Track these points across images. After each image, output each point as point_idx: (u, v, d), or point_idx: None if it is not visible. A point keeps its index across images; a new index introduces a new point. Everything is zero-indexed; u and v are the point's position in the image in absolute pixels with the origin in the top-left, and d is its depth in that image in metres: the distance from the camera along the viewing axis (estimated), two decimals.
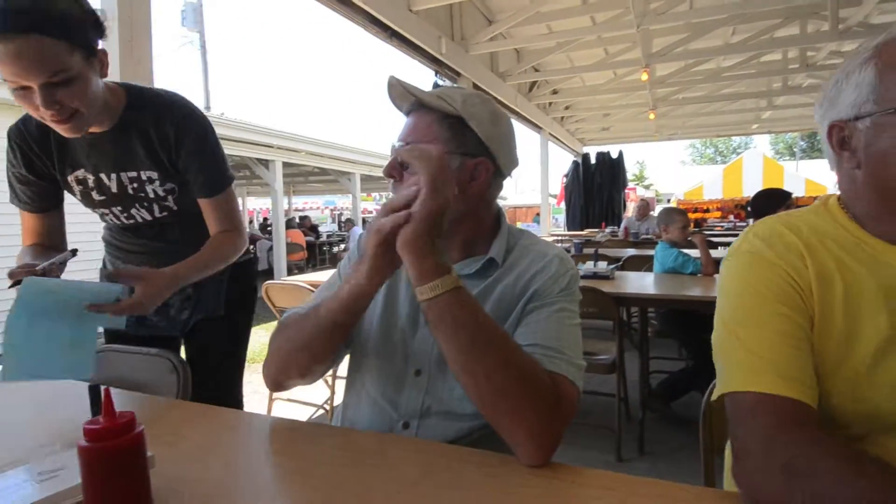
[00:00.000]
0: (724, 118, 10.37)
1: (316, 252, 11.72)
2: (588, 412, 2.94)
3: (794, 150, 33.36)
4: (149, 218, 1.28)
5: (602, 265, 2.96)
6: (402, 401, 0.87)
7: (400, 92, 0.86)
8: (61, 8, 0.93)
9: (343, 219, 17.59)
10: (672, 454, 2.46)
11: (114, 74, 1.30)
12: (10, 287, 0.98)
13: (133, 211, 1.27)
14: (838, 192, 0.79)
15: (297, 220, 12.48)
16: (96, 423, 0.47)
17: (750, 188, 14.51)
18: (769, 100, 8.61)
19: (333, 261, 11.62)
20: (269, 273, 8.69)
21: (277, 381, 0.87)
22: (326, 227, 16.84)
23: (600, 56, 6.81)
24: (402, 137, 0.86)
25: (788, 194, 3.12)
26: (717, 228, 9.26)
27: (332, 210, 22.33)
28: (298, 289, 2.53)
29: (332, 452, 0.76)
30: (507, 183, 0.96)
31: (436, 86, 4.87)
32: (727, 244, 5.43)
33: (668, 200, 18.88)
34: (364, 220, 11.59)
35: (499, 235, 0.91)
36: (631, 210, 12.31)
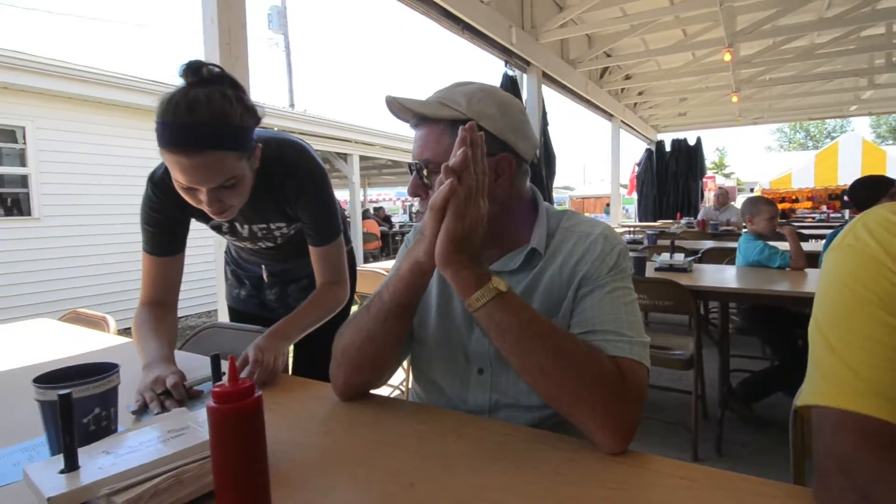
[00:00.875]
0: (817, 99, 9.50)
1: (389, 241, 12.31)
2: (662, 408, 2.85)
3: None
4: (272, 245, 1.41)
5: (679, 257, 2.83)
6: (470, 397, 0.89)
7: (399, 108, 0.84)
8: (236, 122, 0.99)
9: (413, 209, 17.96)
10: (752, 457, 2.34)
11: None
12: (133, 412, 0.89)
13: (260, 244, 1.40)
14: None
15: (372, 211, 12.93)
16: (223, 387, 0.54)
17: (846, 176, 13.21)
18: (870, 78, 7.81)
19: None
20: None
21: (349, 383, 0.88)
22: (398, 218, 17.35)
23: (678, 37, 6.46)
24: (415, 156, 0.84)
25: (892, 181, 2.83)
26: (807, 220, 8.57)
27: (402, 201, 22.89)
28: (377, 275, 2.65)
29: (417, 427, 0.80)
30: (574, 173, 0.94)
31: (505, 77, 4.84)
32: (819, 237, 5.02)
33: (752, 190, 17.62)
34: None
35: (537, 222, 0.89)
36: (709, 200, 11.66)
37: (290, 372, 1.29)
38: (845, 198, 11.38)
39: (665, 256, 2.85)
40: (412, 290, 0.80)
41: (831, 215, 9.30)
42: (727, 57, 5.70)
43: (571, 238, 0.88)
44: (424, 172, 0.83)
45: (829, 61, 7.15)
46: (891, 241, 0.64)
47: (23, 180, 5.42)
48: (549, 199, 5.88)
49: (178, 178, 0.99)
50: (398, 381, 2.85)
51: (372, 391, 0.95)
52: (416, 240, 0.77)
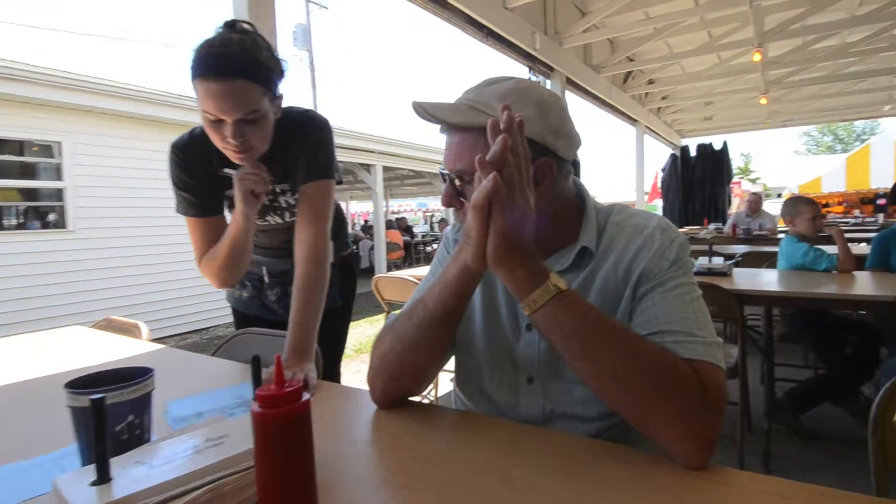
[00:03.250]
0: (849, 100, 9.19)
1: (412, 251, 12.39)
2: None
3: None
4: (280, 222, 1.38)
5: (718, 261, 2.73)
6: (522, 407, 0.83)
7: (427, 116, 0.78)
8: (263, 57, 1.09)
9: (434, 220, 18.05)
10: (803, 473, 2.20)
11: None
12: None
13: (268, 218, 1.38)
14: None
15: (395, 222, 13.01)
16: (268, 390, 0.49)
17: (879, 179, 12.78)
18: None
19: (428, 259, 12.06)
20: (370, 271, 9.15)
21: (388, 391, 0.83)
22: (419, 228, 17.44)
23: (703, 40, 6.33)
24: (448, 165, 0.78)
25: None
26: (840, 225, 8.26)
27: (423, 212, 23.05)
28: (405, 282, 2.62)
29: (466, 437, 0.74)
30: (597, 181, 0.88)
31: None
32: (854, 240, 4.83)
33: (779, 195, 17.21)
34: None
35: (586, 219, 0.83)
36: (736, 205, 11.35)
37: None
38: (879, 202, 11.01)
39: (703, 260, 2.74)
40: (459, 297, 0.75)
41: (866, 220, 8.96)
42: (757, 57, 5.55)
43: (624, 233, 0.81)
44: (457, 183, 0.78)
45: (862, 60, 6.91)
46: None
47: (58, 194, 5.54)
48: None
49: (207, 108, 1.05)
50: (426, 391, 2.80)
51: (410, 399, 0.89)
52: (462, 243, 0.71)
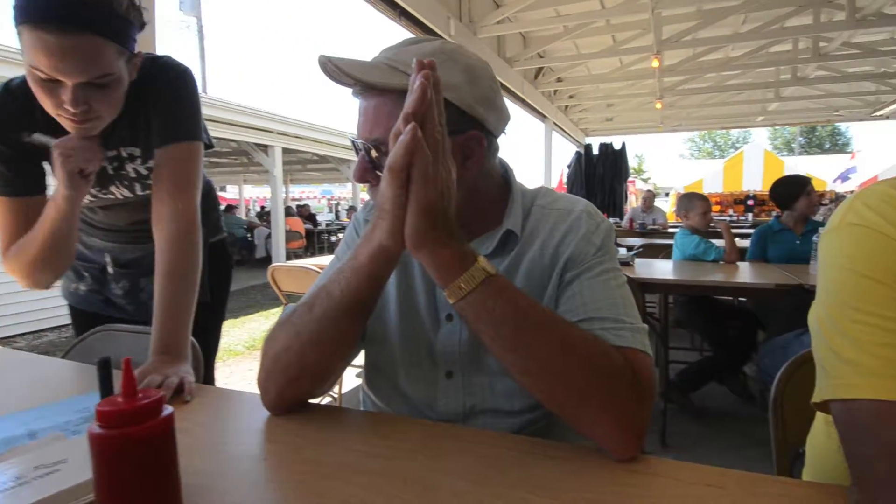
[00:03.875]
0: (729, 109, 10.22)
1: (314, 240, 11.75)
2: None
3: (793, 145, 33.32)
4: (130, 196, 1.14)
5: (622, 251, 2.86)
6: (440, 405, 0.75)
7: (337, 72, 0.65)
8: (121, 11, 0.86)
9: (341, 208, 17.46)
10: (694, 447, 2.37)
11: None
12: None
13: (111, 190, 1.12)
14: None
15: (296, 209, 12.36)
16: (113, 403, 0.36)
17: (750, 183, 14.41)
18: (776, 91, 8.48)
19: (332, 249, 11.59)
20: (267, 261, 8.59)
21: (284, 395, 0.71)
22: (323, 217, 16.72)
23: (608, 43, 6.66)
24: (362, 134, 0.68)
25: (808, 180, 3.02)
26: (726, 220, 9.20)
27: (329, 200, 22.09)
28: (306, 271, 2.43)
29: (379, 442, 0.65)
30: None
31: None
32: (736, 236, 5.37)
33: (667, 194, 18.77)
34: None
35: (511, 201, 0.77)
36: (632, 202, 12.21)
37: None
38: (749, 202, 12.40)
39: None
40: (372, 283, 0.64)
41: (739, 218, 10.03)
42: (655, 63, 5.93)
43: (550, 217, 0.76)
44: (373, 154, 0.67)
45: (742, 74, 7.68)
46: (894, 216, 0.59)
47: None
48: None
49: (41, 64, 0.80)
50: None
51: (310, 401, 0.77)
52: (375, 218, 0.59)
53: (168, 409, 0.38)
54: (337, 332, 0.66)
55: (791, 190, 2.90)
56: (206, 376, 1.29)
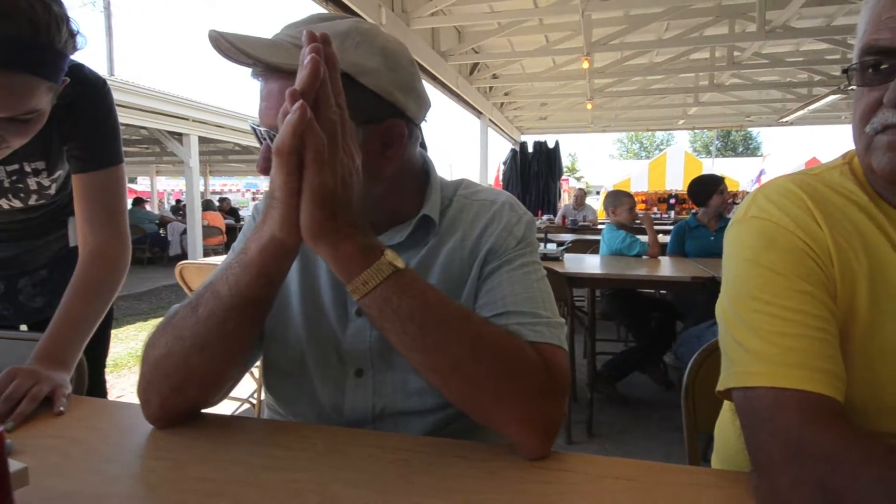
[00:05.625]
0: (653, 112, 10.81)
1: (236, 237, 11.05)
2: None
3: (710, 148, 35.76)
4: (19, 206, 1.04)
5: (551, 247, 2.92)
6: (347, 408, 0.70)
7: (233, 51, 0.57)
8: (59, 45, 0.77)
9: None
10: (619, 435, 2.46)
11: None
12: None
13: (2, 200, 1.03)
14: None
15: (216, 202, 11.63)
16: None
17: (673, 182, 15.34)
18: (695, 96, 9.04)
19: None
20: (182, 258, 8.07)
21: (168, 406, 0.63)
22: (247, 212, 15.98)
23: (541, 42, 6.81)
24: (265, 121, 0.61)
25: (721, 179, 3.22)
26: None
27: (253, 193, 20.95)
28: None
29: (276, 453, 0.59)
30: (443, 171, 0.79)
31: None
32: (659, 232, 5.69)
33: (598, 192, 19.60)
34: None
35: (430, 191, 0.72)
36: (566, 199, 12.62)
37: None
38: (671, 201, 13.21)
39: (539, 246, 2.91)
40: (265, 280, 0.57)
41: (662, 215, 10.62)
42: (585, 64, 6.12)
43: (472, 208, 0.73)
44: None
45: (665, 79, 8.11)
46: (793, 209, 0.62)
47: None
48: None
49: None
50: (248, 393, 2.49)
51: (204, 410, 0.69)
52: (267, 207, 0.54)
53: (4, 426, 0.31)
54: (224, 334, 0.58)
55: (706, 188, 3.07)
56: (95, 385, 1.17)
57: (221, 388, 0.66)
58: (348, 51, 0.59)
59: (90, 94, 0.96)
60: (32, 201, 1.04)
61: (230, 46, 0.56)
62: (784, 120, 9.85)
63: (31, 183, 1.01)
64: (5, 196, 1.01)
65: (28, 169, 0.98)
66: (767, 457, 0.52)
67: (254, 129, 0.62)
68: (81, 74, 0.95)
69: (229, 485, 0.52)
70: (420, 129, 0.71)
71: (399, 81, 0.63)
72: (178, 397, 0.62)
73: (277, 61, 0.58)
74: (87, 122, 0.96)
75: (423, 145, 0.76)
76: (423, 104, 0.69)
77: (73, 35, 0.81)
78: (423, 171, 0.76)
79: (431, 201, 0.71)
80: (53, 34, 0.75)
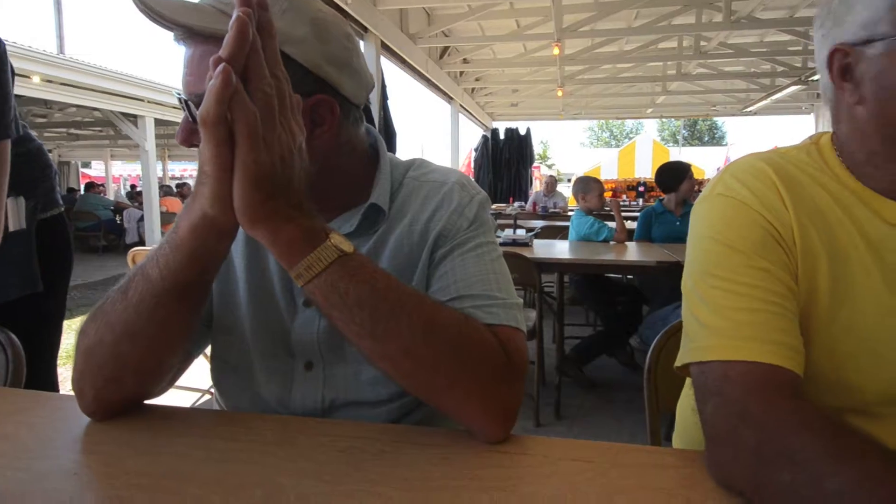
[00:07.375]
0: (623, 100, 10.93)
1: None
2: None
3: (678, 137, 36.53)
4: None
5: (521, 233, 2.92)
6: (296, 402, 0.67)
7: (150, 14, 0.52)
8: None
9: None
10: (586, 417, 2.50)
11: None
12: None
13: None
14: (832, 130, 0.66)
15: (175, 188, 11.23)
16: None
17: (641, 170, 15.63)
18: (663, 85, 9.17)
19: None
20: (139, 246, 7.81)
21: (103, 398, 0.59)
22: None
23: (511, 27, 6.76)
24: (187, 89, 0.57)
25: (688, 166, 3.28)
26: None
27: None
28: None
29: (221, 445, 0.56)
30: (413, 154, 0.75)
31: None
32: (626, 219, 5.80)
33: (569, 179, 19.82)
34: None
35: (379, 174, 0.69)
36: (537, 186, 12.71)
37: None
38: (640, 188, 13.49)
39: (508, 232, 2.91)
40: (198, 261, 0.53)
41: (630, 203, 10.81)
42: (556, 50, 6.12)
43: (422, 190, 0.70)
44: None
45: (634, 67, 8.19)
46: (759, 187, 0.61)
47: None
48: None
49: None
50: (208, 384, 2.42)
51: (148, 401, 0.65)
52: (197, 184, 0.50)
53: None
54: (157, 321, 0.54)
55: (675, 174, 3.12)
56: (44, 378, 1.11)
57: (162, 379, 0.62)
58: (274, 16, 0.53)
59: None
60: None
61: (147, 9, 0.52)
62: (748, 110, 10.10)
63: None
64: None
65: None
66: (714, 430, 0.52)
67: (178, 99, 0.57)
68: None
69: (167, 479, 0.49)
70: (360, 110, 0.67)
71: (331, 55, 0.60)
72: (112, 388, 0.58)
73: (195, 24, 0.54)
74: None
75: (392, 130, 0.72)
76: (363, 83, 0.65)
77: None
78: (372, 154, 0.72)
79: (380, 187, 0.68)
80: None
